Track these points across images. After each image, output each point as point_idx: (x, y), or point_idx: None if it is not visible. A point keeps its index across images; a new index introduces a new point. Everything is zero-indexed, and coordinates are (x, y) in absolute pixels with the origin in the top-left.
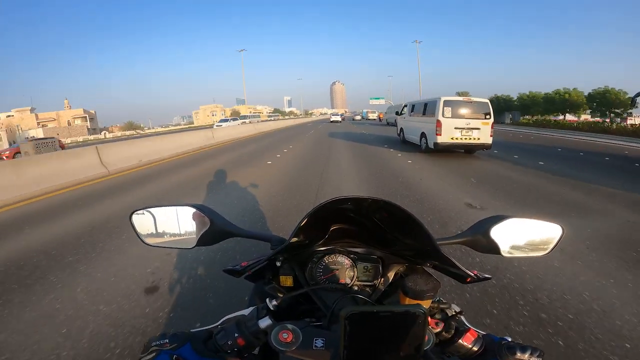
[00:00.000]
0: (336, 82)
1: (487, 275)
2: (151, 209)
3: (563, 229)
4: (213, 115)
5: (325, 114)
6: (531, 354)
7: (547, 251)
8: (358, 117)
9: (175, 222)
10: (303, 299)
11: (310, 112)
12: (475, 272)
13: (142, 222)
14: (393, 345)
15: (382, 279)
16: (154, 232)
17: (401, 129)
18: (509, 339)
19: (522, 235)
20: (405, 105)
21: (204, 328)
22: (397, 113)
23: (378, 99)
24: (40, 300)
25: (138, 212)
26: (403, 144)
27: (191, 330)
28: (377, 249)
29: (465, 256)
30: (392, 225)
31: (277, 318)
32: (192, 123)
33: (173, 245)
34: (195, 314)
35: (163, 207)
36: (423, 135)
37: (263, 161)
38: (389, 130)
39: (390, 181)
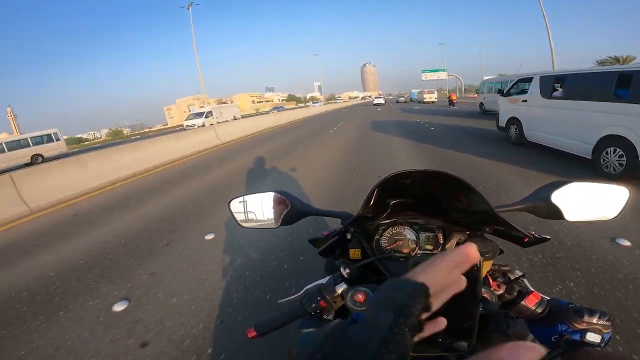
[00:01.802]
0: (367, 64)
1: (545, 236)
2: (244, 197)
3: (629, 192)
4: (190, 110)
5: (357, 97)
6: (600, 317)
7: (614, 216)
8: (402, 99)
9: (262, 206)
10: (371, 271)
11: (337, 96)
12: (533, 232)
13: (237, 207)
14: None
15: (444, 247)
16: (246, 216)
17: (512, 120)
18: (576, 304)
19: (585, 199)
20: (525, 80)
21: (289, 298)
22: (500, 92)
23: (436, 71)
24: None
25: (234, 200)
26: (515, 146)
27: (278, 302)
28: (438, 219)
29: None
30: (450, 195)
31: (351, 285)
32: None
33: (262, 226)
34: None
35: (253, 195)
36: (613, 141)
37: None
38: (466, 121)
39: None
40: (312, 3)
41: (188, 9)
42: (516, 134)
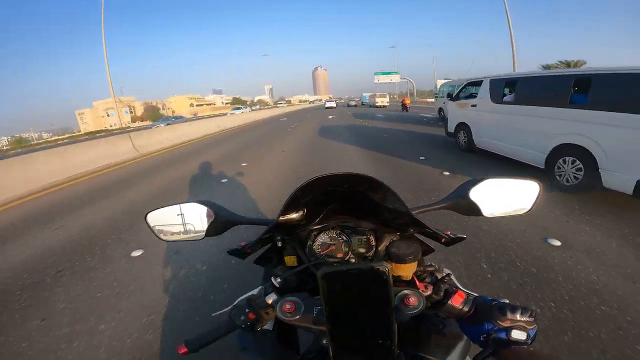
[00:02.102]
0: (318, 68)
1: (461, 235)
2: (162, 209)
3: (540, 186)
4: (108, 115)
5: (306, 100)
6: (522, 314)
7: (527, 210)
8: (353, 103)
9: (184, 217)
10: (309, 277)
11: (287, 99)
12: (448, 232)
13: (156, 220)
14: (366, 300)
15: (377, 250)
16: (167, 229)
17: (461, 125)
18: (503, 300)
19: (500, 195)
20: (475, 83)
21: (222, 311)
22: (449, 97)
23: (389, 73)
24: None
25: (151, 212)
26: (466, 153)
27: (212, 315)
28: (370, 221)
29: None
30: (376, 197)
31: (286, 294)
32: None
33: (185, 239)
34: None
35: (172, 206)
36: (569, 150)
37: None
38: (423, 128)
39: None
40: (264, 6)
41: None
42: (465, 140)
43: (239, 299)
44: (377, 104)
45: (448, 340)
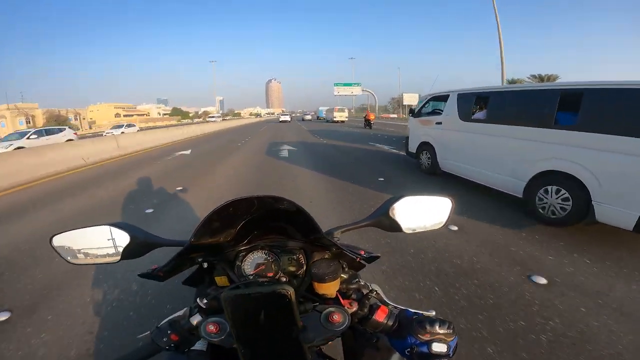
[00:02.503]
0: (272, 80)
1: (375, 255)
2: (70, 232)
3: (452, 201)
4: None
5: (257, 114)
6: (440, 326)
7: (442, 224)
8: (308, 117)
9: (97, 241)
10: None
11: (236, 112)
12: (363, 251)
13: (64, 244)
14: (271, 323)
15: (308, 267)
16: (77, 252)
17: (424, 145)
18: (424, 312)
19: (417, 211)
20: (440, 98)
21: (147, 333)
22: (412, 113)
23: (350, 85)
24: None
25: (57, 235)
26: (425, 175)
27: (137, 337)
28: (300, 240)
29: None
30: (296, 219)
31: (215, 315)
32: None
33: (98, 262)
34: None
35: (82, 229)
36: (554, 178)
37: None
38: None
39: None
40: (215, 15)
41: None
42: (428, 162)
43: (163, 322)
44: (335, 119)
45: (381, 355)
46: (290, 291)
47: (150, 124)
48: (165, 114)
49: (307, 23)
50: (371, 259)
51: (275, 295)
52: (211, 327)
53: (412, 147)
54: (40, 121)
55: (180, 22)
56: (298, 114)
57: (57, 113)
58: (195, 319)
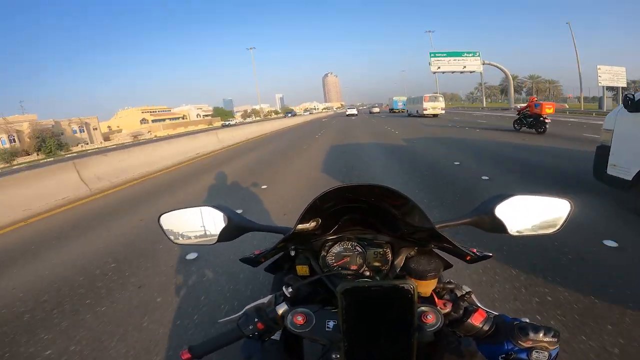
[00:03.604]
0: (329, 74)
1: (487, 253)
2: (176, 211)
3: (571, 204)
4: None
5: (313, 109)
6: (545, 334)
7: (555, 228)
8: (376, 110)
9: (197, 221)
10: (320, 287)
11: (272, 111)
12: (475, 250)
13: (169, 223)
14: (386, 319)
15: (393, 263)
16: (180, 231)
17: None
18: (524, 319)
19: (528, 212)
20: None
21: (229, 318)
22: (628, 102)
23: (460, 54)
24: None
25: (165, 214)
26: None
27: (218, 321)
28: (387, 234)
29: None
30: (396, 210)
31: (296, 305)
32: None
33: (197, 243)
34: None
35: (187, 209)
36: None
37: None
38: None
39: None
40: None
41: None
42: None
43: (247, 307)
44: (425, 112)
45: (462, 359)
46: (414, 287)
47: (168, 132)
48: (206, 115)
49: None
50: (483, 257)
51: (397, 291)
52: (299, 318)
53: (622, 168)
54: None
55: (240, 21)
56: (361, 107)
57: (51, 125)
58: (281, 308)
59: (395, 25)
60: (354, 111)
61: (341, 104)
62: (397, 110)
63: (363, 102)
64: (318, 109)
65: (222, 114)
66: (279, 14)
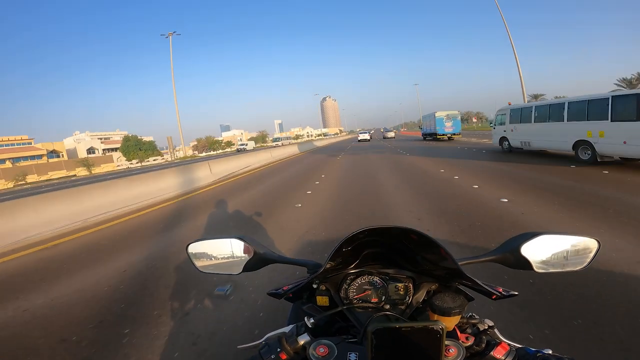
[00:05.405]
0: (327, 98)
1: (513, 292)
2: (203, 241)
3: (599, 243)
4: None
5: (310, 134)
6: None
7: (583, 265)
8: (391, 134)
9: (224, 251)
10: (339, 317)
11: (260, 137)
12: (500, 289)
13: (196, 252)
14: (412, 357)
15: (413, 298)
16: (206, 260)
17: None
18: (546, 351)
19: (554, 250)
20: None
21: (250, 344)
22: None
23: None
24: None
25: (193, 243)
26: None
27: (238, 347)
28: (408, 269)
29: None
30: (419, 249)
31: (315, 335)
32: None
33: (222, 272)
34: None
35: (214, 240)
36: None
37: None
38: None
39: None
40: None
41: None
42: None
43: (268, 335)
44: (450, 135)
45: None
46: (443, 327)
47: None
48: (111, 149)
49: (368, 46)
50: (509, 296)
51: (427, 332)
52: (321, 350)
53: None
54: None
55: (239, 47)
56: (371, 132)
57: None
58: (303, 339)
59: (392, 52)
60: (367, 136)
61: (340, 129)
62: (442, 136)
63: (363, 127)
64: (311, 135)
65: (216, 143)
66: (274, 37)
